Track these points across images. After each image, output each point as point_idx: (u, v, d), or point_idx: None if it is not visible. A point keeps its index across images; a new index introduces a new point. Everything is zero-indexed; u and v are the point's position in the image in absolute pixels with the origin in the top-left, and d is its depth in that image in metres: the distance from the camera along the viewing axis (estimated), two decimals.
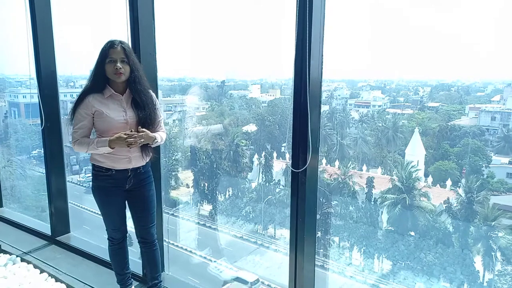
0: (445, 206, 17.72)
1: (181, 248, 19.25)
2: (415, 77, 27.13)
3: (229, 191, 22.85)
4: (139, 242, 2.71)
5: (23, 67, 3.77)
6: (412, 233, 17.95)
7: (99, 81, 2.40)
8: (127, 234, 2.73)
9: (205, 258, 18.62)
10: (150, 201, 2.64)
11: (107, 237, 2.71)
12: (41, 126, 3.77)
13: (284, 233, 19.52)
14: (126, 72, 2.37)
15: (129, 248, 2.82)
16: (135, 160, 2.50)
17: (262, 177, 22.28)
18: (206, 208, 22.31)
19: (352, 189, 19.75)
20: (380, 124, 23.17)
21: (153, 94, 2.56)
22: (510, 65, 25.33)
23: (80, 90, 2.48)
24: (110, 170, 2.47)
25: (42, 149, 3.94)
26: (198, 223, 21.48)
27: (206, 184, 22.91)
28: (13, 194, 18.59)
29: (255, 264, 18.76)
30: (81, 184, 20.87)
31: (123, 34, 2.88)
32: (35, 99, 3.72)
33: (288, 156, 21.98)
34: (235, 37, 34.38)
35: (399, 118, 22.92)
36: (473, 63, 28.23)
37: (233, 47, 32.29)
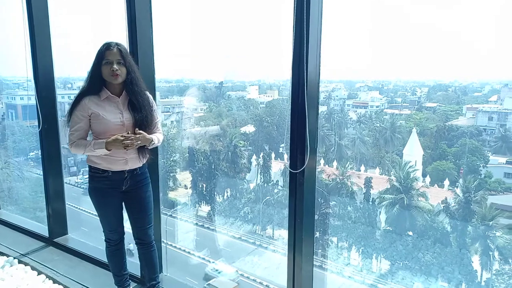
0: (443, 206, 17.76)
1: (179, 249, 19.24)
2: (413, 77, 27.26)
3: (227, 192, 22.84)
4: (136, 243, 2.71)
5: (21, 69, 3.77)
6: (410, 233, 17.98)
7: (96, 83, 2.40)
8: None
9: (203, 259, 18.61)
10: (147, 202, 2.64)
11: (104, 238, 2.71)
12: (39, 128, 3.76)
13: (283, 234, 19.51)
14: (122, 74, 2.36)
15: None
16: (132, 161, 2.50)
17: (260, 178, 22.28)
18: (204, 209, 22.29)
19: (350, 189, 19.77)
20: (378, 125, 23.22)
21: (150, 96, 2.55)
22: (507, 65, 25.37)
23: (77, 91, 2.47)
24: (107, 171, 2.47)
25: (40, 150, 3.93)
26: (196, 224, 21.46)
27: (204, 185, 22.90)
28: (11, 196, 18.57)
29: (253, 264, 18.75)
30: (79, 185, 20.84)
31: (122, 35, 2.88)
32: (33, 101, 3.72)
33: (286, 156, 22.01)
34: (233, 38, 34.39)
35: (397, 118, 22.98)
36: (470, 63, 28.33)
37: (231, 49, 32.33)
